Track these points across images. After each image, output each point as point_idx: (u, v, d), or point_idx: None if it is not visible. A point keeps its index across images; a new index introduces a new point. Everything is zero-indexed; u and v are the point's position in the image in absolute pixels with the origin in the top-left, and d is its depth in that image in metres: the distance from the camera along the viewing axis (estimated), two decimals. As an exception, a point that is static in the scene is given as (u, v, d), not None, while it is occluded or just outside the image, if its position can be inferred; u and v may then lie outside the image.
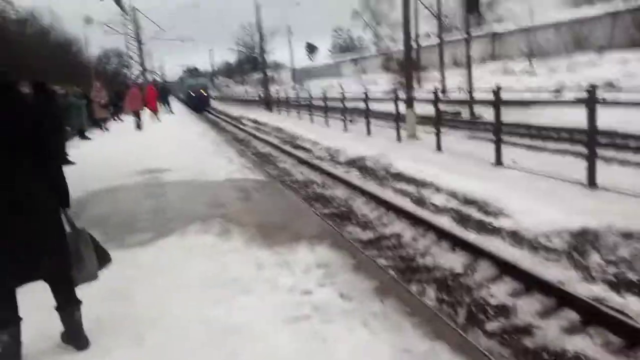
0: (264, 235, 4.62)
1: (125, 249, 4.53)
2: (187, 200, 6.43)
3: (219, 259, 4.08)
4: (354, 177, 9.79)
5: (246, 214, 5.55)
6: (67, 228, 2.79)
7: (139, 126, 18.58)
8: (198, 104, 39.04)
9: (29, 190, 2.54)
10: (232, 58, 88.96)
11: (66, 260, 2.72)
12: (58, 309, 2.77)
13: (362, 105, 17.14)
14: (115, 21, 35.06)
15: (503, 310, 4.22)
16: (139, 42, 30.92)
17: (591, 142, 6.94)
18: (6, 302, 2.59)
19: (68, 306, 2.78)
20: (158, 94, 24.88)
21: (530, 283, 4.46)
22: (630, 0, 20.16)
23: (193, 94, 40.18)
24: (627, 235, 5.03)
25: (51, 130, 2.77)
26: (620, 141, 10.18)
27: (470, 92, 16.87)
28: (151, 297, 3.41)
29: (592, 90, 6.83)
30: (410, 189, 8.35)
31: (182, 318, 3.09)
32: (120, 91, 26.36)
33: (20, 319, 2.63)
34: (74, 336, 2.82)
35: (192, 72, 44.35)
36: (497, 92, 8.86)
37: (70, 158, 10.53)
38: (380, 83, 33.27)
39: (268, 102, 32.37)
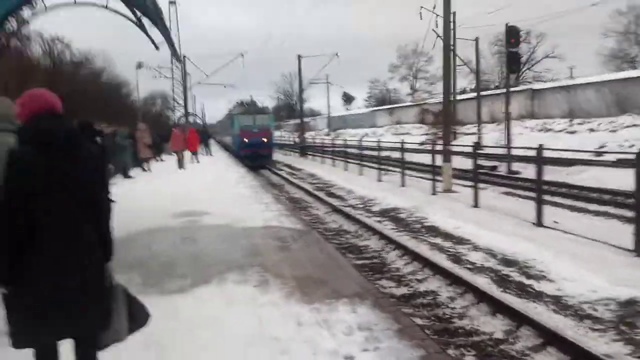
0: (303, 290, 4.59)
1: (164, 296, 4.57)
2: (226, 247, 6.49)
3: (258, 313, 4.05)
4: (388, 228, 9.72)
5: (284, 264, 5.56)
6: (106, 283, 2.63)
7: (180, 166, 19.20)
8: (256, 156, 25.41)
9: (89, 241, 2.51)
10: (270, 104, 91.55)
11: (101, 318, 2.54)
12: None
13: (395, 155, 17.23)
14: (164, 65, 36.85)
15: (548, 384, 4.03)
16: (185, 87, 32.22)
17: (638, 206, 6.74)
18: (51, 357, 2.54)
19: None
20: (199, 137, 25.63)
21: (576, 355, 4.26)
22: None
23: (247, 140, 25.73)
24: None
25: (108, 178, 2.77)
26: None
27: (508, 148, 16.73)
28: (189, 352, 3.38)
29: (640, 153, 6.70)
30: (446, 245, 8.22)
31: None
32: (163, 133, 27.30)
33: None
34: None
35: (249, 106, 28.61)
36: (539, 149, 8.76)
37: (111, 197, 10.85)
38: (415, 134, 33.42)
39: (303, 148, 32.86)
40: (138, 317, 2.77)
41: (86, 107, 26.16)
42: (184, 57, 31.24)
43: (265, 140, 26.25)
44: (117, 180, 14.99)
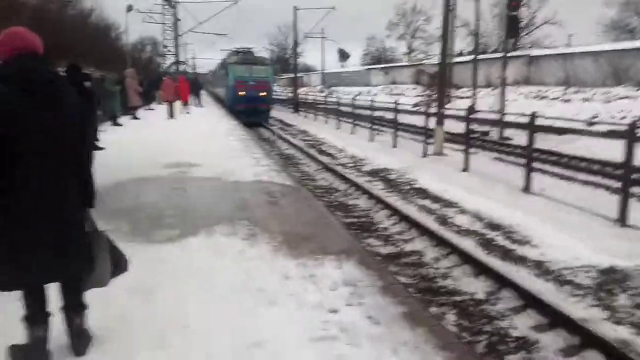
0: (290, 245, 4.62)
1: (152, 245, 4.57)
2: (215, 199, 6.48)
3: (245, 265, 4.08)
4: (377, 188, 9.76)
5: (272, 219, 5.56)
6: (87, 229, 2.68)
7: (171, 116, 18.93)
8: (252, 112, 22.84)
9: (68, 186, 2.50)
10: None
11: (84, 263, 2.61)
12: (63, 309, 2.70)
13: (389, 115, 17.13)
14: (155, 9, 35.65)
15: (525, 344, 4.15)
16: (176, 33, 31.30)
17: (626, 178, 6.81)
18: (38, 300, 2.58)
19: (71, 310, 2.69)
20: (190, 87, 25.09)
21: (554, 318, 4.39)
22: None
23: (243, 93, 23.09)
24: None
25: (92, 124, 2.75)
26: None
27: (502, 114, 16.67)
28: (176, 300, 3.41)
29: (632, 124, 6.71)
30: (434, 207, 8.29)
31: (207, 325, 3.07)
32: (153, 80, 26.73)
33: (50, 314, 2.63)
34: (72, 341, 2.71)
35: (246, 54, 24.88)
36: (532, 117, 8.74)
37: (100, 144, 10.71)
38: (409, 95, 33.10)
39: (296, 104, 32.46)
40: (119, 263, 2.83)
41: (74, 49, 25.40)
42: (176, 1, 30.25)
43: (263, 94, 23.49)
44: (105, 127, 14.76)
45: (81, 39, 29.38)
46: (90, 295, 2.79)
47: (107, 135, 12.78)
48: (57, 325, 2.68)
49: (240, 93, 23.11)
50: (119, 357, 2.71)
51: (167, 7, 29.26)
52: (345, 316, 3.22)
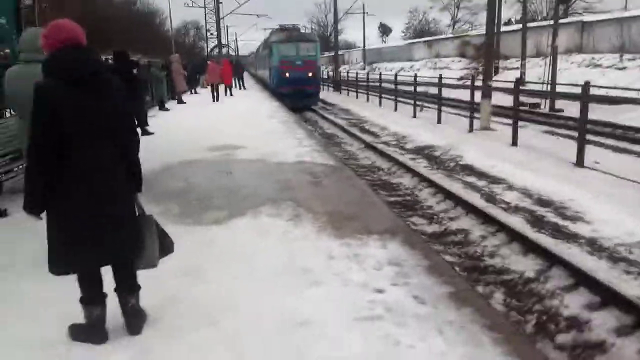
0: (334, 225, 4.65)
1: (201, 226, 4.72)
2: (259, 181, 6.57)
3: (289, 245, 4.15)
4: (421, 166, 9.63)
5: (316, 199, 5.61)
6: (136, 212, 2.77)
7: (215, 99, 19.22)
8: (299, 95, 20.80)
9: (116, 173, 2.58)
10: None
11: (134, 246, 2.70)
12: (117, 290, 2.80)
13: (432, 90, 16.75)
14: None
15: (577, 323, 4.05)
16: (218, 16, 31.56)
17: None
18: (96, 281, 2.72)
19: (125, 292, 2.79)
20: (232, 69, 25.35)
21: (607, 297, 4.24)
22: None
23: (289, 74, 20.90)
24: None
25: (138, 111, 2.83)
26: None
27: (553, 84, 15.98)
28: (224, 280, 3.51)
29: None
30: (481, 183, 8.11)
31: (253, 305, 3.14)
32: (197, 64, 27.16)
33: (106, 295, 2.77)
34: (127, 320, 2.82)
35: (290, 31, 22.66)
36: (585, 86, 8.34)
37: (149, 129, 11.04)
38: (454, 68, 32.20)
39: (337, 83, 32.20)
40: (166, 245, 2.93)
41: (121, 37, 26.14)
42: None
43: (310, 75, 21.04)
44: (154, 112, 15.18)
45: (128, 27, 30.13)
46: (142, 277, 2.90)
47: (156, 120, 13.17)
48: (114, 306, 2.82)
49: (286, 74, 20.94)
50: (171, 336, 2.82)
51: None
52: (390, 296, 3.23)
